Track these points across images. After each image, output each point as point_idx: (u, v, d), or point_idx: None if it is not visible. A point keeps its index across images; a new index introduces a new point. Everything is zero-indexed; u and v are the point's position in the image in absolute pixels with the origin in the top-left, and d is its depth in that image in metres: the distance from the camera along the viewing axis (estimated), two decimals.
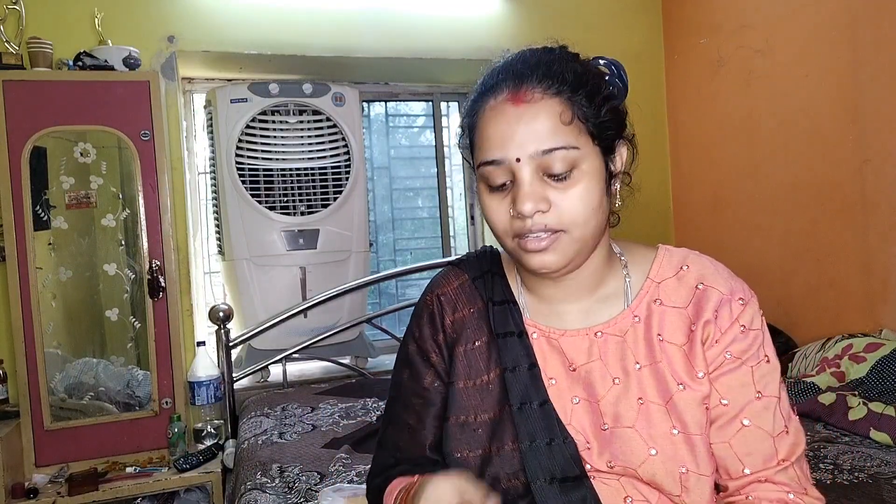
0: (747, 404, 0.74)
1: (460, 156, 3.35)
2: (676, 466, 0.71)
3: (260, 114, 2.47)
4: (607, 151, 0.75)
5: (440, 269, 0.91)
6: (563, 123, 0.70)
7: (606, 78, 0.77)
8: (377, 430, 1.91)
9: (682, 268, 0.80)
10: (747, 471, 0.73)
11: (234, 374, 2.37)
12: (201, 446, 2.20)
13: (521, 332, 0.80)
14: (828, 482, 1.43)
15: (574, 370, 0.77)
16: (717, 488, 0.77)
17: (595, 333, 0.78)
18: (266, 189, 2.48)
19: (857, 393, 1.82)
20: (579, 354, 0.78)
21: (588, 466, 0.74)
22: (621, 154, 0.77)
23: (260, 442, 1.90)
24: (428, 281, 0.91)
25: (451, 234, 3.23)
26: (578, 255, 0.74)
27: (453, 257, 3.30)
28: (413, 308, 0.91)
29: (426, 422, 0.82)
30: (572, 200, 0.70)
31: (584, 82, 0.72)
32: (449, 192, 3.21)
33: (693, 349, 0.76)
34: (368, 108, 3.11)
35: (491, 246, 0.90)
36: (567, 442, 0.74)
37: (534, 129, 0.69)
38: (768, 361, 0.76)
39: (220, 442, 2.22)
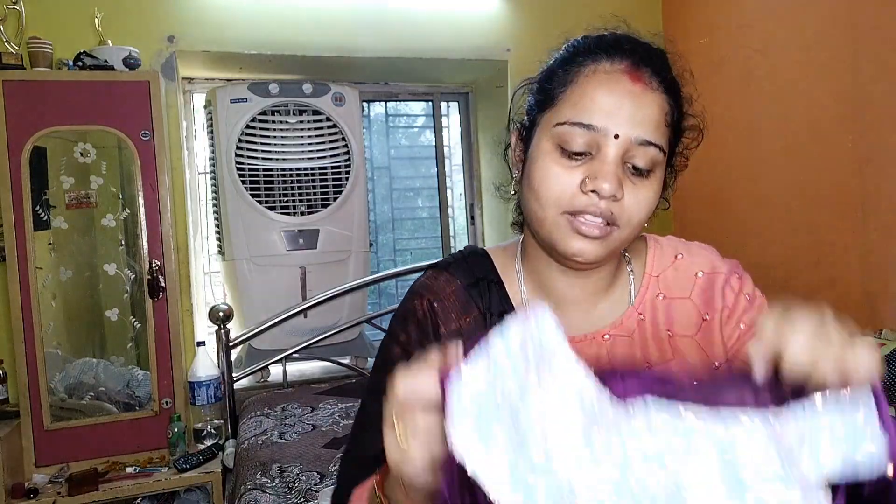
0: None
1: (460, 156, 3.32)
2: None
3: (260, 114, 2.47)
4: (669, 165, 0.73)
5: (425, 271, 0.83)
6: (664, 123, 0.68)
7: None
8: None
9: (676, 257, 0.80)
10: None
11: (234, 374, 2.37)
12: (201, 446, 2.20)
13: None
14: None
15: None
16: None
17: (603, 336, 0.76)
18: (266, 189, 2.48)
19: None
20: (588, 361, 0.76)
21: None
22: (674, 171, 0.76)
23: (260, 442, 1.90)
24: None
25: (451, 234, 3.22)
26: (614, 254, 0.71)
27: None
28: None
29: None
30: (640, 200, 0.67)
31: (678, 91, 0.71)
32: (449, 192, 3.21)
33: (709, 337, 0.76)
34: (368, 108, 3.11)
35: (474, 246, 0.87)
36: None
37: (644, 115, 0.66)
38: None
39: (220, 442, 2.22)
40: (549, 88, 0.71)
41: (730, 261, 0.81)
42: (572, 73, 0.69)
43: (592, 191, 0.65)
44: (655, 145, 0.66)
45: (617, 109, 0.65)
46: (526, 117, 0.75)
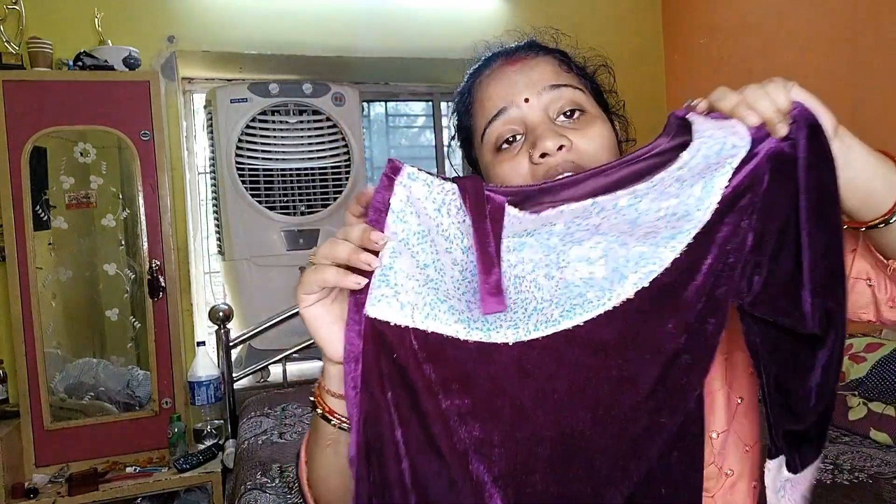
0: None
1: (460, 155, 3.31)
2: None
3: (260, 114, 2.47)
4: (608, 115, 0.74)
5: None
6: (563, 71, 0.70)
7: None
8: None
9: None
10: None
11: (234, 374, 2.37)
12: (201, 446, 2.20)
13: None
14: (828, 482, 1.43)
15: None
16: None
17: None
18: (266, 189, 2.48)
19: (857, 393, 1.82)
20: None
21: None
22: (618, 126, 0.77)
23: (260, 442, 1.91)
24: None
25: None
26: None
27: None
28: None
29: None
30: (590, 138, 0.66)
31: (563, 52, 0.74)
32: None
33: None
34: (368, 108, 3.11)
35: None
36: None
37: (537, 73, 0.68)
38: None
39: (220, 442, 2.22)
40: (463, 126, 0.76)
41: None
42: (468, 100, 0.74)
43: (541, 155, 0.65)
44: (564, 85, 0.68)
45: (512, 85, 0.69)
46: (471, 166, 0.79)
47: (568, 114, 0.67)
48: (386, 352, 0.52)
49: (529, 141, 0.66)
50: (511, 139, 0.68)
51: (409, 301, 0.52)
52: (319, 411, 0.59)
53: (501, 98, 0.68)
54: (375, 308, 0.52)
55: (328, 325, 0.55)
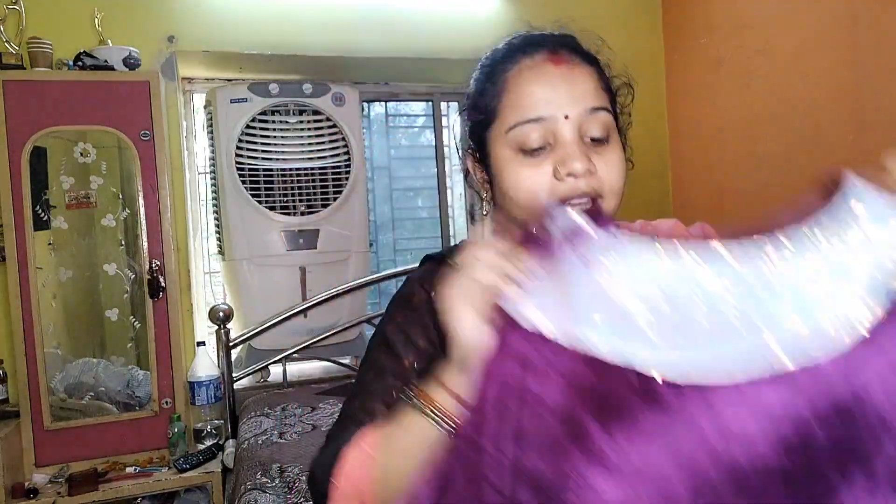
0: None
1: (459, 155, 3.31)
2: None
3: (260, 114, 2.47)
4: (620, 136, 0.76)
5: (422, 262, 0.85)
6: (601, 88, 0.71)
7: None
8: None
9: (642, 226, 0.82)
10: None
11: (234, 374, 2.37)
12: (201, 446, 2.20)
13: None
14: None
15: None
16: None
17: None
18: (266, 189, 2.48)
19: None
20: None
21: None
22: (623, 132, 0.78)
23: (260, 442, 1.91)
24: None
25: (451, 234, 3.22)
26: None
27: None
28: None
29: None
30: (611, 166, 0.69)
31: (597, 60, 0.74)
32: (449, 192, 3.21)
33: None
34: (368, 108, 3.11)
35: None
36: None
37: (581, 89, 0.69)
38: None
39: (220, 442, 2.22)
40: (485, 105, 0.74)
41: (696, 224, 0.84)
42: (500, 82, 0.72)
43: (568, 174, 0.66)
44: (603, 109, 0.69)
45: (555, 94, 0.68)
46: (471, 140, 0.77)
47: (596, 137, 0.69)
48: (520, 361, 0.50)
49: (557, 155, 0.67)
50: (536, 148, 0.68)
51: (555, 311, 0.51)
52: (421, 406, 0.59)
53: (541, 103, 0.68)
54: (520, 308, 0.52)
55: (470, 312, 0.55)
